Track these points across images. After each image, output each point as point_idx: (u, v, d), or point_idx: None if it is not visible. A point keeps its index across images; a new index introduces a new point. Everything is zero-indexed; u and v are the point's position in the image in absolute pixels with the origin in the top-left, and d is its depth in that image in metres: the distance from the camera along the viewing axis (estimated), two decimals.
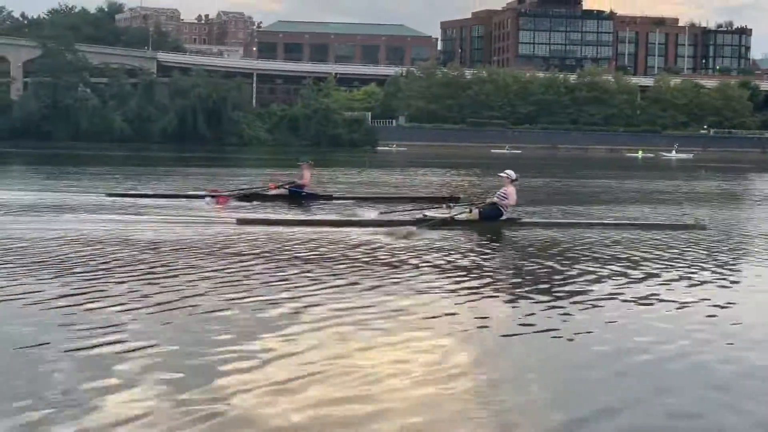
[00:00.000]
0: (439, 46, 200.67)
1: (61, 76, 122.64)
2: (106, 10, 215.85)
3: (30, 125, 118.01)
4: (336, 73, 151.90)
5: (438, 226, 18.03)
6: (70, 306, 9.79)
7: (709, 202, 29.38)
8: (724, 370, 7.98)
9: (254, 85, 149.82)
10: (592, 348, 8.68)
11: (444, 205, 20.15)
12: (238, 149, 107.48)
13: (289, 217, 20.98)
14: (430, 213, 18.99)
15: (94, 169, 44.37)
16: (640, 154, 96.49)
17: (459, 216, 18.66)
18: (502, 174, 19.05)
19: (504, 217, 18.79)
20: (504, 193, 18.83)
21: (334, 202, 25.18)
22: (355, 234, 17.05)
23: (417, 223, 18.28)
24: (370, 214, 20.32)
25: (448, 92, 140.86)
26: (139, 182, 33.94)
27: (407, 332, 9.03)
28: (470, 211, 18.89)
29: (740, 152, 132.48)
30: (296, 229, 17.85)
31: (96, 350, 8.03)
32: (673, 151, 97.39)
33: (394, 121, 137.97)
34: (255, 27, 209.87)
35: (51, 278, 11.50)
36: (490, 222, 18.58)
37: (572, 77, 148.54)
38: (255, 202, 24.38)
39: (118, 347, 8.11)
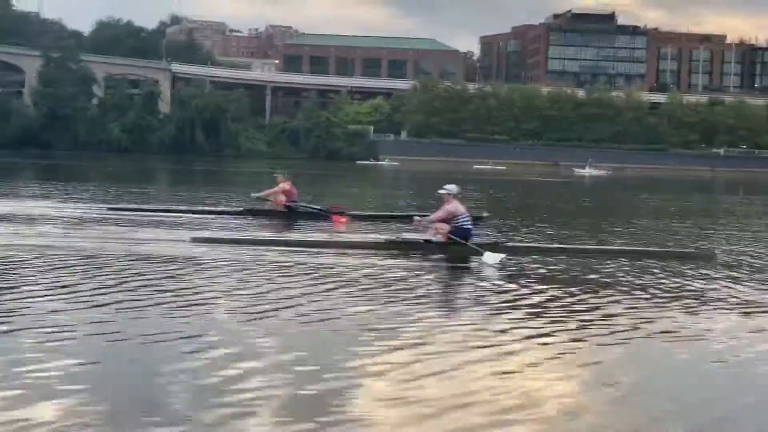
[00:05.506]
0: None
1: (62, 86, 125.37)
2: (168, 23, 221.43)
3: (30, 134, 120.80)
4: (351, 87, 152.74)
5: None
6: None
7: None
8: None
9: (268, 97, 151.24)
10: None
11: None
12: (235, 161, 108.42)
13: (250, 237, 18.99)
14: (406, 235, 17.76)
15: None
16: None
17: (434, 238, 17.07)
18: (441, 191, 17.20)
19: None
20: (458, 212, 17.01)
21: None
22: (329, 256, 15.90)
23: (392, 244, 17.08)
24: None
25: (450, 106, 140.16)
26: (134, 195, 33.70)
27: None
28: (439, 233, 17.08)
29: (749, 172, 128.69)
30: (262, 248, 16.55)
31: None
32: (587, 167, 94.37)
33: (392, 135, 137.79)
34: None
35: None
36: (462, 243, 16.79)
37: (580, 93, 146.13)
38: (255, 219, 23.47)
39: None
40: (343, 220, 23.34)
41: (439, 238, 16.84)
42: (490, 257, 15.72)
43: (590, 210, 37.08)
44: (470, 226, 17.04)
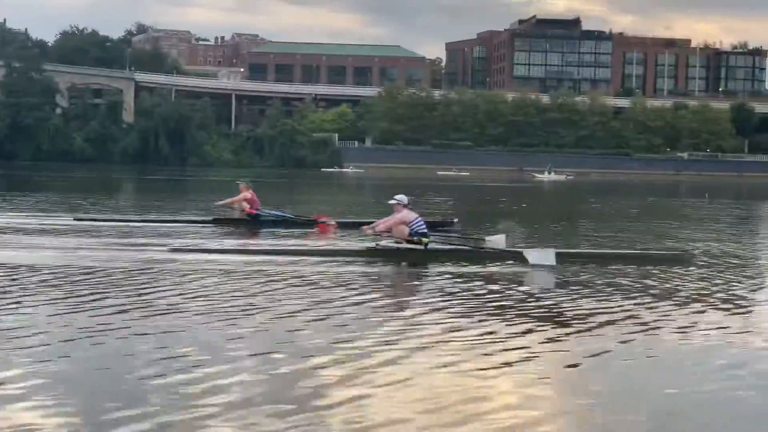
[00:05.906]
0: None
1: (25, 96, 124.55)
2: (134, 32, 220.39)
3: None
4: (316, 95, 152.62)
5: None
6: None
7: None
8: None
9: (233, 105, 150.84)
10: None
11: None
12: (200, 170, 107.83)
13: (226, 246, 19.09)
14: (383, 242, 17.48)
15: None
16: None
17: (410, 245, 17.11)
18: (392, 201, 17.55)
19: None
20: (409, 219, 17.24)
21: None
22: (303, 265, 15.75)
23: (372, 252, 17.13)
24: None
25: (415, 113, 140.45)
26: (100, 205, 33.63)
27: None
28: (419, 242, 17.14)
29: (715, 176, 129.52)
30: (233, 257, 16.58)
31: None
32: (546, 172, 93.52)
33: (356, 142, 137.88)
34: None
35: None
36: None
37: (544, 98, 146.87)
38: (224, 228, 23.49)
39: None
40: (332, 225, 23.20)
41: (401, 242, 17.05)
42: (538, 255, 16.01)
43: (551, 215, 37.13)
44: (425, 230, 17.28)
